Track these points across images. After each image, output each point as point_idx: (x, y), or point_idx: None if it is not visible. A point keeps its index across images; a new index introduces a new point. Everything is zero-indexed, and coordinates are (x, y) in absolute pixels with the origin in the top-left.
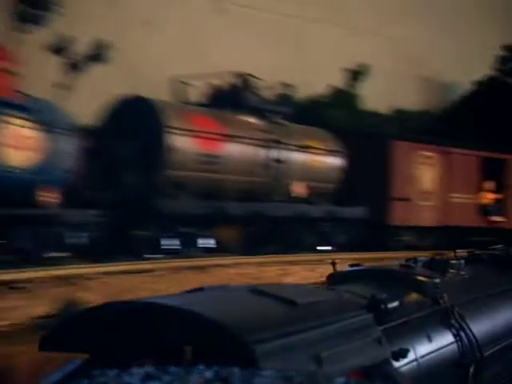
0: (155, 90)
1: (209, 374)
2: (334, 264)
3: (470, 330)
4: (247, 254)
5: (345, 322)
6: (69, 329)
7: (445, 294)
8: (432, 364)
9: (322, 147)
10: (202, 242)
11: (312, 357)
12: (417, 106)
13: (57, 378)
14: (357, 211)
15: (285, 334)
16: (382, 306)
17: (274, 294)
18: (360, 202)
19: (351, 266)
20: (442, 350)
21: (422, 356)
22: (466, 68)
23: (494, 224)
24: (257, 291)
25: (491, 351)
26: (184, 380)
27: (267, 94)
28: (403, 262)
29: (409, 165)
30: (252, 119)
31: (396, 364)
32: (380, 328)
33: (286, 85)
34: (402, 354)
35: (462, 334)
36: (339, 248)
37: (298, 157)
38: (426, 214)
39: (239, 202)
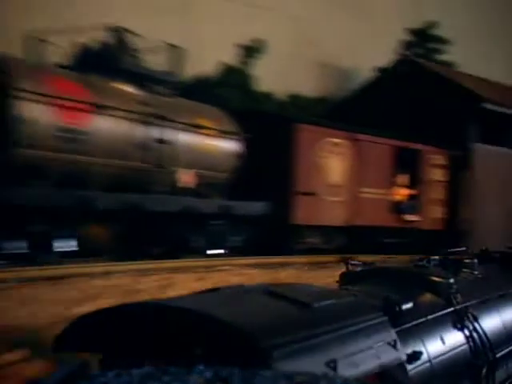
0: (4, 48)
1: (209, 373)
2: (347, 263)
3: (483, 331)
4: (120, 260)
5: (360, 326)
6: (82, 329)
7: (458, 295)
8: (445, 366)
9: (216, 127)
10: (59, 245)
11: (327, 361)
12: (314, 93)
13: (56, 378)
14: (256, 207)
15: (300, 338)
16: (397, 308)
17: (288, 295)
18: (260, 197)
19: (364, 264)
20: (454, 352)
21: (435, 357)
22: (369, 54)
23: (408, 224)
24: (271, 292)
25: (504, 352)
26: (184, 380)
27: (150, 58)
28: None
29: (315, 153)
30: (129, 87)
31: (409, 366)
32: (394, 330)
33: (174, 47)
34: (416, 356)
35: (475, 335)
36: (234, 251)
37: (186, 138)
38: (334, 212)
39: (110, 192)
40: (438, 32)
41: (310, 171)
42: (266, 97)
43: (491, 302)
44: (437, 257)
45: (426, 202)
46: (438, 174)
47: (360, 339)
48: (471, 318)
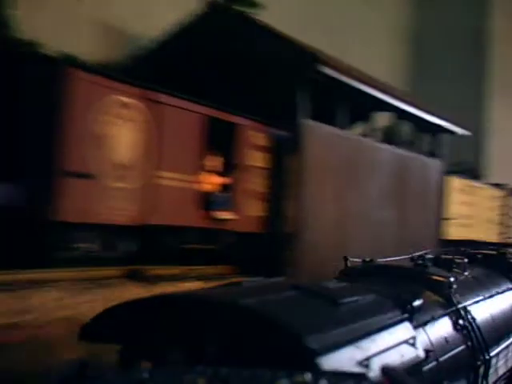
0: None
1: (209, 373)
2: (346, 259)
3: (480, 331)
4: None
5: (385, 323)
6: (111, 320)
7: (457, 294)
8: (449, 364)
9: None
10: None
11: (362, 360)
12: (95, 57)
13: (55, 379)
14: None
15: (337, 335)
16: (408, 306)
17: (314, 291)
18: (4, 176)
19: (364, 261)
20: (456, 351)
21: (441, 356)
22: (164, 17)
23: (219, 224)
24: (297, 288)
25: (496, 351)
26: (184, 380)
27: None
28: (414, 258)
29: (95, 115)
30: None
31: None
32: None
33: None
34: (427, 354)
35: (473, 335)
36: None
37: None
38: (119, 205)
39: None
40: None
41: (86, 142)
42: (30, 48)
43: (484, 303)
44: (431, 255)
45: (242, 194)
46: (258, 158)
47: (386, 337)
48: (470, 317)
